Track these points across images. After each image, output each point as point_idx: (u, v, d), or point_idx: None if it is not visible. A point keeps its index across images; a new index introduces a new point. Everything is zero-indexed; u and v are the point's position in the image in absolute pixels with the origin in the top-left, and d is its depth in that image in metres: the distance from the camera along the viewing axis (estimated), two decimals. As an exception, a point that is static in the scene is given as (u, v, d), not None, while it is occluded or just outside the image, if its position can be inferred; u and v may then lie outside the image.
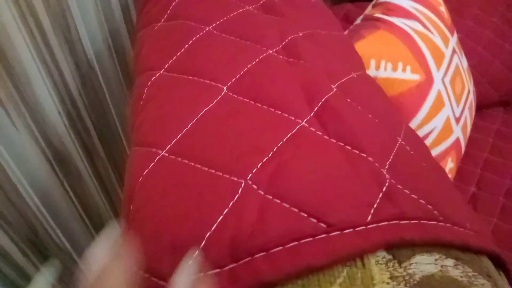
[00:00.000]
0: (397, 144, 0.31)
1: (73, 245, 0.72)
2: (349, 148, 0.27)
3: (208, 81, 0.32)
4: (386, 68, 0.68)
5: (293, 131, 0.27)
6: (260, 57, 0.34)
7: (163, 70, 0.34)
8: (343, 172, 0.25)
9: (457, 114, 0.77)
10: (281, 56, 0.35)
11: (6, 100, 0.49)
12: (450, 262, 0.24)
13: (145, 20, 0.42)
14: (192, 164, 0.26)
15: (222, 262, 0.21)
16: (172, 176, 0.25)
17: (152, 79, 0.34)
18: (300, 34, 0.39)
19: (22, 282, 0.62)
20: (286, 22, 0.40)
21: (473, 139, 0.92)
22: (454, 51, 0.79)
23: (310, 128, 0.28)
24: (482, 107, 0.98)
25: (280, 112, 0.29)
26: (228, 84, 0.31)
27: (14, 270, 0.60)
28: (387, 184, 0.25)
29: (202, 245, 0.21)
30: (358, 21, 0.79)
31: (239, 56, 0.34)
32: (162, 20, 0.40)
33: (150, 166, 0.27)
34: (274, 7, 0.42)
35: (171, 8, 0.41)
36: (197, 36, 0.36)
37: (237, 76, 0.32)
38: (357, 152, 0.27)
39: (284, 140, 0.27)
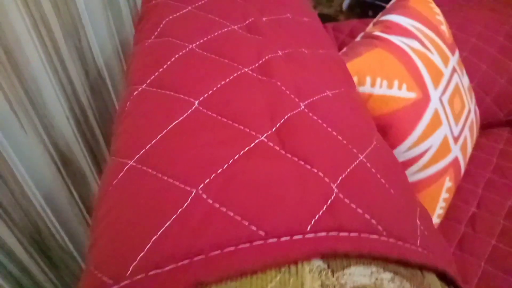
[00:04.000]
0: (357, 161, 0.32)
1: (76, 246, 0.75)
2: (302, 163, 0.29)
3: (182, 96, 0.34)
4: (382, 85, 0.70)
5: (251, 145, 0.29)
6: (235, 75, 0.36)
7: (145, 85, 0.37)
8: (290, 183, 0.27)
9: (456, 133, 0.77)
10: (255, 74, 0.37)
11: (16, 105, 0.52)
12: (387, 275, 0.25)
13: (138, 37, 0.46)
14: (154, 173, 0.28)
15: (163, 264, 0.23)
16: (134, 184, 0.28)
17: (134, 93, 0.37)
18: (280, 53, 0.42)
19: (25, 280, 0.65)
20: (266, 42, 0.42)
21: (476, 157, 0.92)
22: (454, 70, 0.79)
23: (269, 143, 0.30)
24: (487, 126, 0.97)
25: (242, 127, 0.31)
26: (200, 99, 0.34)
27: (17, 267, 0.63)
28: (333, 197, 0.27)
29: (147, 247, 0.23)
30: (358, 38, 0.80)
31: (215, 73, 0.37)
32: (152, 37, 0.43)
33: (119, 176, 0.29)
34: (259, 27, 0.45)
35: (161, 26, 0.44)
36: (180, 53, 0.39)
37: (210, 92, 0.34)
38: (309, 167, 0.29)
39: (241, 153, 0.29)
